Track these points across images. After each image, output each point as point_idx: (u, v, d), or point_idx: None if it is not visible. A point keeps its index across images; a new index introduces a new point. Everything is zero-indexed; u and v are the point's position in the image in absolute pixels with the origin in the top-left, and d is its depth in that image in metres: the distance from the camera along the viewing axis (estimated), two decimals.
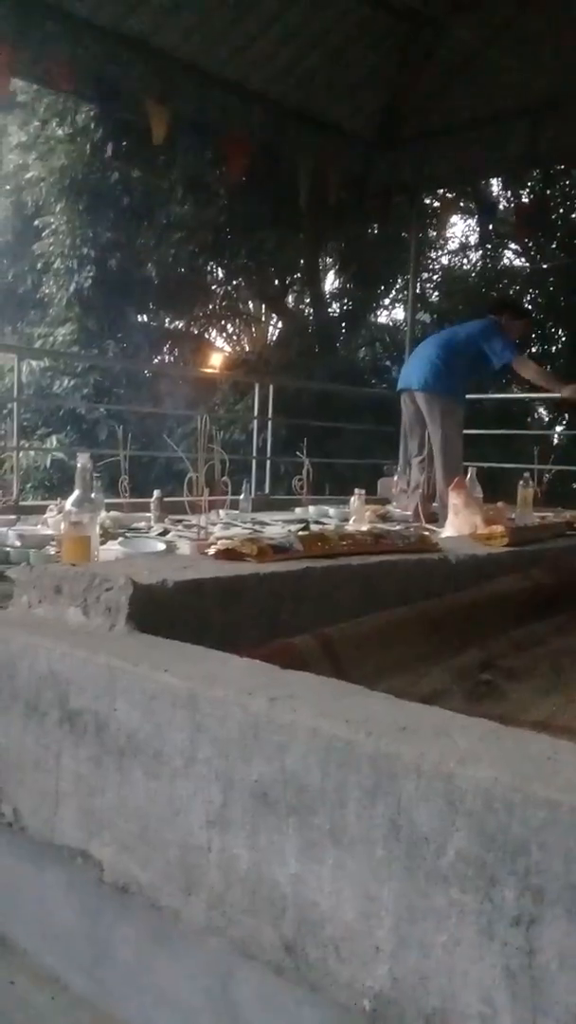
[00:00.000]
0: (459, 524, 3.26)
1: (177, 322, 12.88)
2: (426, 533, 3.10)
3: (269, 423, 7.13)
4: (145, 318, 12.39)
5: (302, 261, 12.65)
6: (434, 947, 0.94)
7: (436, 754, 0.97)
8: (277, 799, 1.09)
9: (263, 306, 13.42)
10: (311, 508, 5.10)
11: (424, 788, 0.96)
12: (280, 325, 13.48)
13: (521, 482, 4.18)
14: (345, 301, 13.59)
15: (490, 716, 1.19)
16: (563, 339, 12.62)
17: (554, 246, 11.90)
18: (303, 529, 3.77)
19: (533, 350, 12.67)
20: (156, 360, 12.28)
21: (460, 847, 0.93)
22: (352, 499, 4.56)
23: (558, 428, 12.40)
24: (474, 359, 4.77)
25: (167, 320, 12.80)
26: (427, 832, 0.95)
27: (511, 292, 12.38)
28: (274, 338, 13.36)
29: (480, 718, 1.14)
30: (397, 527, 4.05)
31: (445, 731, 1.05)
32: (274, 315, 13.52)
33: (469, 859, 0.92)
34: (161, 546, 2.19)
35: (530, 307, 12.65)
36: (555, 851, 0.86)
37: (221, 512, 4.58)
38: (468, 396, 5.08)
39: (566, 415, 12.12)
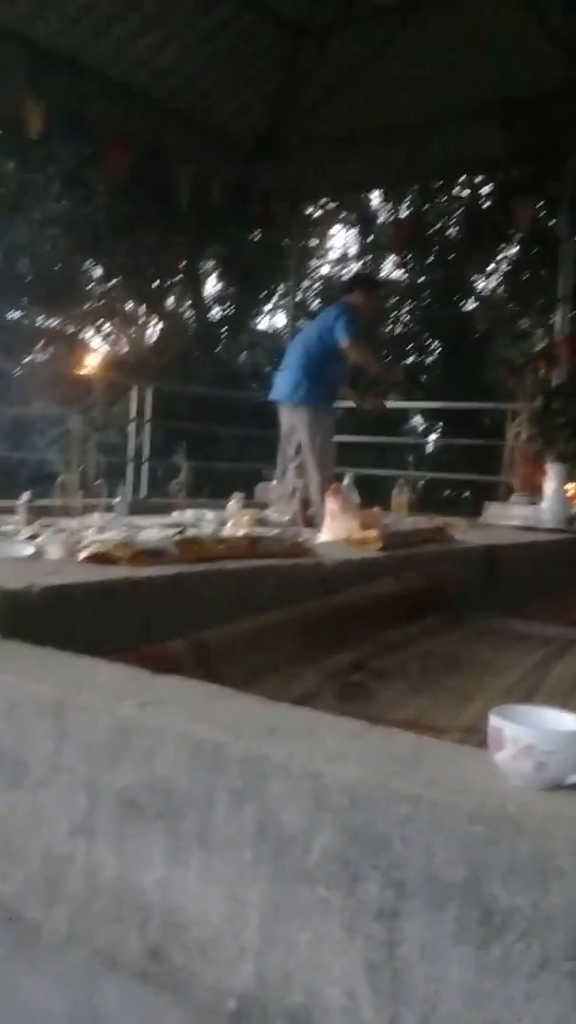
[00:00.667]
0: (335, 529, 3.31)
1: (51, 320, 12.57)
2: (302, 538, 3.13)
3: (147, 426, 7.04)
4: (17, 315, 12.04)
5: (183, 263, 12.58)
6: (299, 944, 0.95)
7: (304, 754, 0.99)
8: (145, 804, 1.07)
9: (142, 307, 13.27)
10: (188, 512, 5.05)
11: (292, 788, 0.97)
12: (159, 327, 13.36)
13: (396, 488, 4.27)
14: (226, 305, 13.60)
15: (360, 716, 1.22)
16: (438, 351, 13.00)
17: (430, 260, 12.26)
18: (179, 533, 3.73)
19: (409, 360, 13.02)
20: (28, 358, 11.96)
21: (326, 845, 0.94)
22: (229, 503, 4.56)
23: (432, 436, 12.77)
24: (332, 352, 4.79)
25: (41, 318, 12.47)
26: (294, 831, 0.96)
27: (389, 304, 12.69)
28: (153, 340, 13.23)
29: (349, 718, 1.17)
30: (274, 532, 4.08)
31: (314, 731, 1.07)
32: (153, 316, 13.38)
33: (334, 856, 0.94)
34: (29, 550, 2.13)
35: (407, 318, 13.00)
36: (417, 845, 0.89)
37: (95, 516, 4.49)
38: (344, 404, 5.15)
39: (439, 424, 12.50)
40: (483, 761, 0.96)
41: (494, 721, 0.94)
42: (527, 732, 0.90)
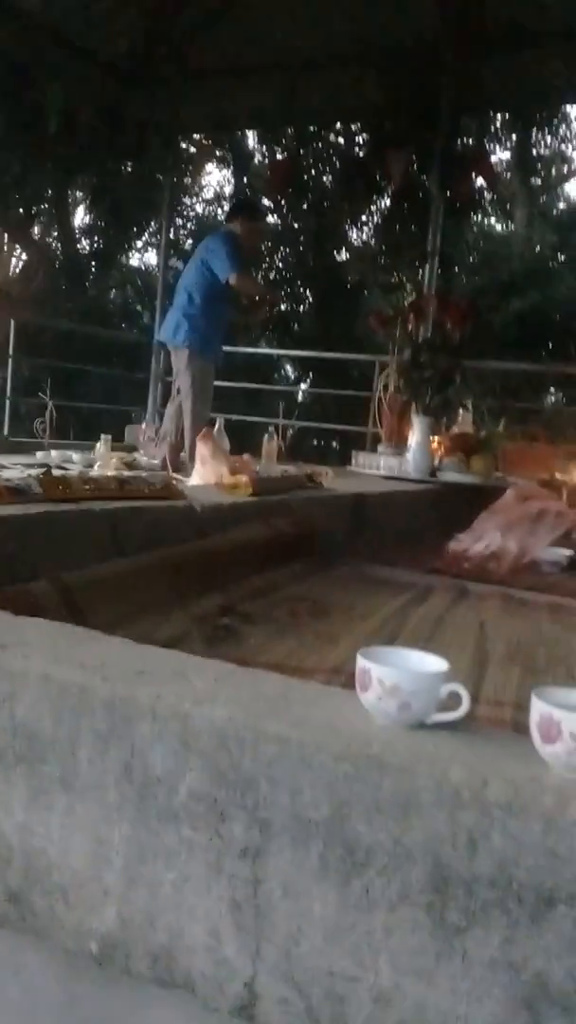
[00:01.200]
0: (206, 474, 3.28)
1: None
2: (173, 481, 3.10)
3: (9, 360, 6.75)
4: None
5: (49, 191, 11.99)
6: (163, 885, 0.95)
7: (172, 696, 0.97)
8: (4, 749, 1.04)
9: (4, 235, 12.61)
10: (53, 452, 4.91)
11: (159, 730, 0.96)
12: (23, 257, 12.75)
13: (266, 436, 4.27)
14: (96, 239, 13.09)
15: (228, 659, 1.21)
16: (310, 300, 13.00)
17: (305, 207, 12.17)
18: (44, 474, 3.62)
19: (283, 307, 12.97)
20: None
21: (193, 786, 0.94)
22: (98, 445, 4.44)
23: (303, 386, 12.83)
24: (214, 291, 4.64)
25: None
26: (160, 773, 0.95)
27: (263, 249, 12.56)
28: (17, 270, 12.62)
29: (217, 660, 1.16)
30: (143, 474, 4.01)
31: (182, 673, 1.06)
32: (16, 246, 12.75)
33: (201, 797, 0.93)
34: None
35: (280, 265, 12.90)
36: (283, 784, 0.89)
37: None
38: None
39: (310, 374, 12.56)
40: (349, 702, 0.98)
41: (361, 662, 0.95)
42: (393, 673, 0.92)
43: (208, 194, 13.42)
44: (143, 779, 0.96)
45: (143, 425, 6.31)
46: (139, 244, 13.49)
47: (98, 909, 0.99)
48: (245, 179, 12.35)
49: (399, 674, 0.92)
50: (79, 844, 1.00)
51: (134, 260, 13.80)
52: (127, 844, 0.97)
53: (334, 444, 10.87)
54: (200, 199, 13.43)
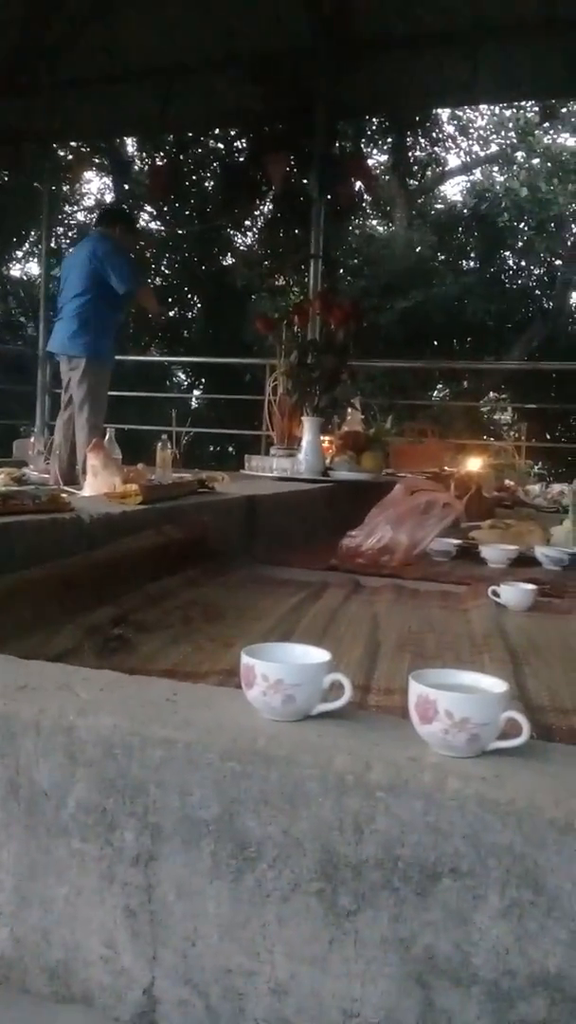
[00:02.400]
0: (98, 485, 3.23)
1: None
2: (62, 494, 3.04)
3: None
4: None
5: None
6: (56, 900, 0.94)
7: (56, 709, 0.96)
8: None
9: None
10: None
11: (44, 744, 0.95)
12: None
13: (159, 444, 4.24)
14: None
15: (120, 669, 1.20)
16: (198, 305, 12.97)
17: (189, 213, 12.15)
18: None
19: (171, 314, 12.90)
20: None
21: (81, 797, 0.93)
22: None
23: (196, 392, 12.79)
24: (106, 298, 4.54)
25: None
26: (47, 787, 0.94)
27: (148, 255, 12.46)
28: None
29: (106, 670, 1.15)
30: (31, 489, 3.92)
31: (67, 686, 1.04)
32: None
33: (90, 808, 0.92)
34: None
35: (167, 272, 12.83)
36: (172, 787, 0.89)
37: None
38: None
39: (202, 380, 12.54)
40: (237, 700, 0.99)
41: (245, 660, 0.96)
42: (275, 668, 0.93)
43: (89, 201, 13.25)
44: (30, 795, 0.95)
45: (31, 439, 6.17)
46: (19, 254, 13.20)
47: None
48: (126, 185, 12.23)
49: (282, 668, 0.94)
50: None
51: (15, 271, 13.50)
52: (16, 862, 0.95)
53: (230, 449, 10.88)
54: (80, 207, 13.25)
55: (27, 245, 12.90)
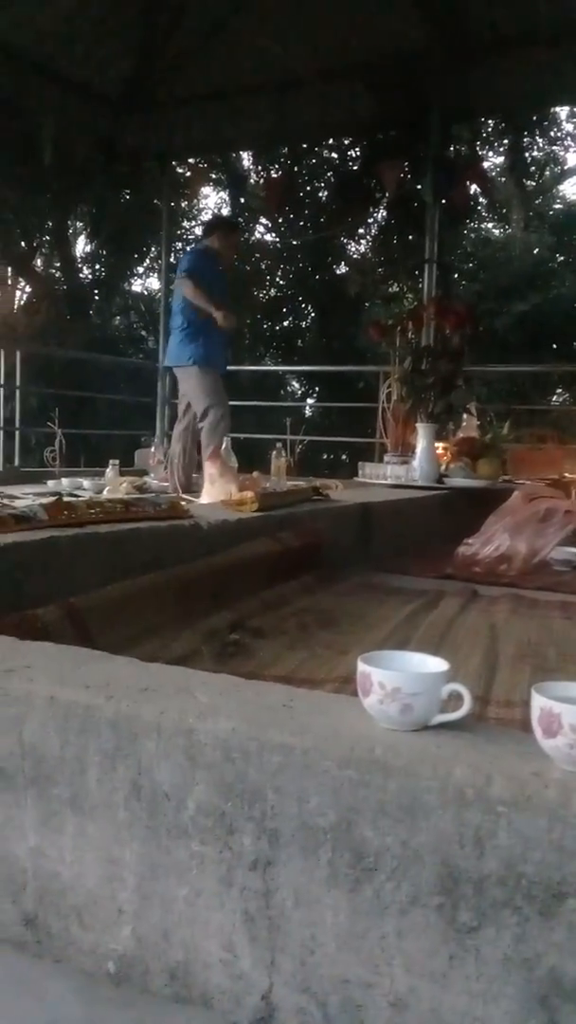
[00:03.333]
0: (215, 493, 3.30)
1: None
2: (181, 501, 3.11)
3: (17, 392, 6.81)
4: None
5: (49, 223, 12.14)
6: (176, 901, 0.95)
7: (176, 712, 0.98)
8: (14, 773, 1.05)
9: (8, 268, 12.75)
10: (64, 480, 4.95)
11: (165, 746, 0.96)
12: (28, 289, 12.88)
13: (274, 452, 4.28)
14: (97, 267, 13.22)
15: (237, 673, 1.22)
16: (312, 314, 13.05)
17: (302, 223, 12.25)
18: (50, 500, 3.64)
19: (285, 324, 13.02)
20: None
21: (200, 800, 0.94)
22: (107, 470, 4.47)
23: (309, 400, 12.86)
24: (194, 307, 4.67)
25: None
26: (168, 789, 0.96)
27: (263, 267, 12.63)
28: (21, 302, 12.75)
29: (224, 674, 1.16)
30: (151, 496, 4.03)
31: (187, 689, 1.06)
32: (20, 278, 12.88)
33: (209, 810, 0.94)
34: None
35: (282, 282, 12.96)
36: (289, 793, 0.90)
37: None
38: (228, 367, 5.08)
39: (316, 388, 12.59)
40: (354, 708, 0.98)
41: (362, 667, 0.95)
42: (392, 676, 0.92)
43: (206, 216, 13.52)
44: (151, 796, 0.97)
45: (152, 448, 6.34)
46: (140, 270, 13.61)
47: (113, 929, 0.99)
48: (242, 199, 12.43)
49: (399, 677, 0.93)
50: (92, 864, 1.00)
51: (136, 286, 13.92)
52: (139, 862, 0.97)
53: (343, 457, 10.88)
54: (198, 221, 13.54)
55: (147, 260, 13.29)
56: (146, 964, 0.97)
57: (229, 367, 5.21)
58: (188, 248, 4.92)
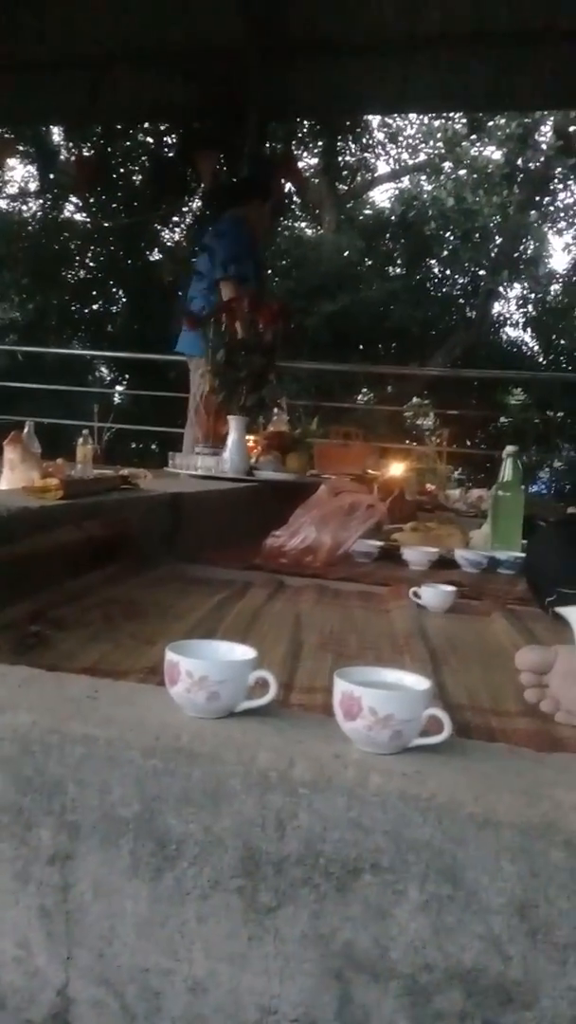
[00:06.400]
0: (15, 479, 3.16)
1: None
2: None
3: None
4: None
5: None
6: None
7: None
8: None
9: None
10: None
11: None
12: None
13: (80, 439, 4.18)
14: None
15: (37, 665, 1.18)
16: (123, 300, 12.82)
17: (115, 206, 11.99)
18: None
19: (95, 307, 12.71)
20: None
21: None
22: None
23: (119, 388, 12.63)
24: None
25: None
26: None
27: (72, 247, 12.25)
28: None
29: (23, 667, 1.12)
30: None
31: None
32: None
33: (5, 806, 0.90)
34: None
35: (92, 264, 12.64)
36: (91, 785, 0.88)
37: None
38: (23, 348, 4.89)
39: (126, 375, 12.39)
40: (160, 697, 0.97)
41: (169, 656, 0.95)
42: (200, 665, 0.92)
43: (12, 189, 12.96)
44: None
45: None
46: None
47: None
48: (51, 175, 12.01)
49: (206, 665, 0.93)
50: None
51: None
52: None
53: (153, 446, 10.78)
54: (3, 194, 12.95)
55: None
56: None
57: (32, 348, 5.01)
58: (220, 218, 4.01)
